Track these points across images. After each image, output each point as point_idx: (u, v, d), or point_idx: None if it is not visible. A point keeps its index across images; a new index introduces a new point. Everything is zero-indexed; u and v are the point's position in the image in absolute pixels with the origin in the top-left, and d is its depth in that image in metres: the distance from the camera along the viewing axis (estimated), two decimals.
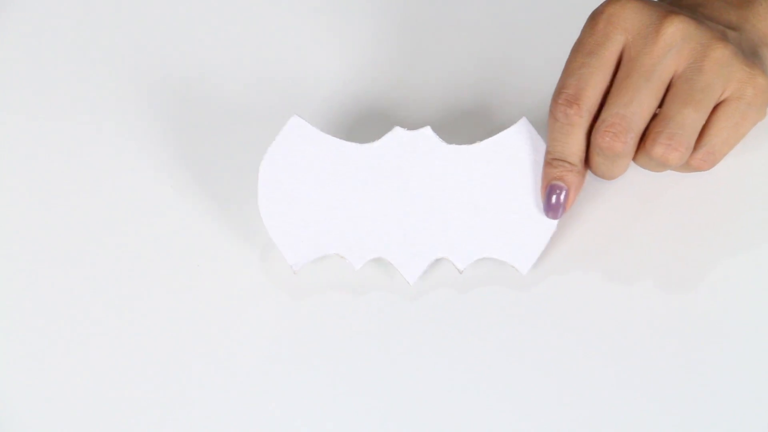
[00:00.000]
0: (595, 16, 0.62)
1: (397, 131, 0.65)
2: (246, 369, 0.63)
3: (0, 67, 0.72)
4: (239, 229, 0.67)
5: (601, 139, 0.62)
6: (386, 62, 0.71)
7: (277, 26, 0.73)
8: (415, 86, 0.71)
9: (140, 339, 0.64)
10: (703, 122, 0.62)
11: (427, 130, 0.65)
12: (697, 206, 0.66)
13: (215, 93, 0.71)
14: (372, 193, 0.65)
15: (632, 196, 0.67)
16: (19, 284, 0.65)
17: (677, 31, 0.61)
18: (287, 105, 0.70)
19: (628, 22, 0.62)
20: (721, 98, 0.62)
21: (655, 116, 0.62)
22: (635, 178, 0.67)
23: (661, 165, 0.62)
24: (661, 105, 0.62)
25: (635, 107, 0.61)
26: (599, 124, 0.62)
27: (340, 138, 0.65)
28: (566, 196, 0.64)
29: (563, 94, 0.62)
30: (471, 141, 0.65)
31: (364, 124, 0.70)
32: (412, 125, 0.69)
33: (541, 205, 0.65)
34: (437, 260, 0.65)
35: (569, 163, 0.63)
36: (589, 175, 0.66)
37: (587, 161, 0.64)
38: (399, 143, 0.65)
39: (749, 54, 0.63)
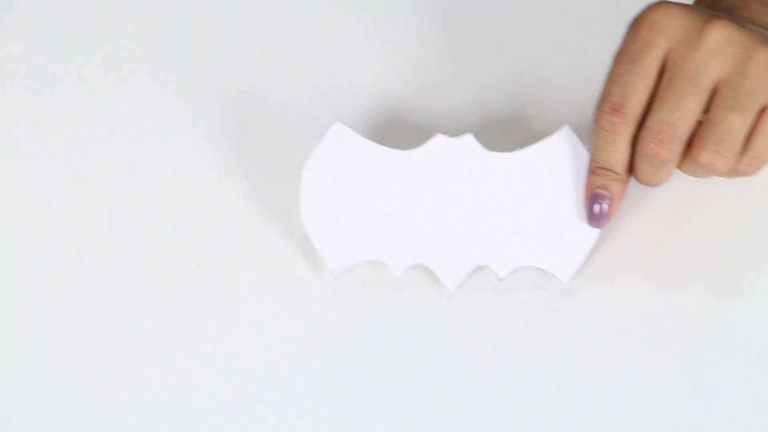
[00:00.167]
0: (637, 23, 0.62)
1: (439, 138, 0.65)
2: (284, 373, 0.63)
3: (30, 65, 0.73)
4: (281, 233, 0.67)
5: (647, 146, 0.61)
6: (428, 69, 0.71)
7: (320, 35, 0.73)
8: (456, 93, 0.70)
9: (176, 335, 0.64)
10: (749, 127, 0.61)
11: (469, 137, 0.65)
12: (742, 212, 0.66)
13: (258, 99, 0.71)
14: (413, 200, 0.64)
15: (675, 202, 0.66)
16: (63, 285, 0.66)
17: (720, 35, 0.61)
18: (330, 111, 0.70)
19: (671, 27, 0.61)
20: (766, 102, 0.61)
21: (700, 122, 0.62)
22: (678, 183, 0.67)
23: (708, 171, 0.62)
24: (706, 111, 0.62)
25: (680, 113, 0.61)
26: (644, 132, 0.62)
27: (382, 144, 0.65)
28: (610, 205, 0.63)
29: (608, 102, 0.62)
30: (511, 148, 0.65)
31: (405, 130, 0.70)
32: (454, 132, 0.68)
33: (584, 214, 0.64)
34: (478, 268, 0.65)
35: (614, 171, 0.63)
36: (631, 181, 0.65)
37: (631, 168, 0.63)
38: (441, 150, 0.64)
39: None
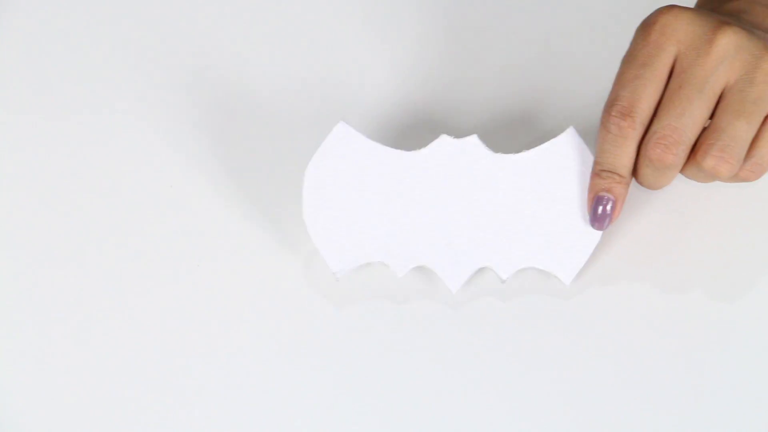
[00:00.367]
0: (647, 26, 0.62)
1: (444, 139, 0.64)
2: (286, 375, 0.63)
3: (30, 65, 0.72)
4: (283, 234, 0.66)
5: (652, 151, 0.61)
6: (432, 69, 0.71)
7: (324, 33, 0.72)
8: (460, 94, 0.70)
9: (178, 343, 0.63)
10: (754, 134, 0.61)
11: (474, 138, 0.64)
12: (743, 216, 0.66)
13: (262, 99, 0.70)
14: (417, 201, 0.64)
15: (676, 205, 0.67)
16: (61, 285, 0.65)
17: (730, 42, 0.61)
18: (334, 111, 0.69)
19: (681, 32, 0.61)
20: None
21: (705, 128, 0.62)
22: (679, 186, 0.67)
23: (711, 177, 0.62)
24: (711, 116, 0.62)
25: (687, 119, 0.61)
26: (650, 136, 0.62)
27: (386, 145, 0.64)
28: (613, 207, 0.63)
29: (616, 106, 0.61)
30: (516, 149, 0.64)
31: (409, 131, 0.69)
32: (458, 133, 0.68)
33: (586, 216, 0.64)
34: (480, 269, 0.65)
35: (618, 175, 0.63)
36: (632, 184, 0.66)
37: (633, 171, 0.63)
38: (445, 151, 0.64)
39: None
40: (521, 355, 0.63)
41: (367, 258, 0.64)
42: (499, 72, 0.71)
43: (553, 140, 0.64)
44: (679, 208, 0.67)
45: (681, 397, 0.62)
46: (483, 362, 0.63)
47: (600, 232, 0.64)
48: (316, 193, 0.64)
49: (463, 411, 0.62)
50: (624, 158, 0.62)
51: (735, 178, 0.63)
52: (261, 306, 0.64)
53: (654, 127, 0.62)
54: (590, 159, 0.64)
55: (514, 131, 0.69)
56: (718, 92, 0.61)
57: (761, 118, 0.61)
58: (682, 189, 0.67)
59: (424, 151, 0.64)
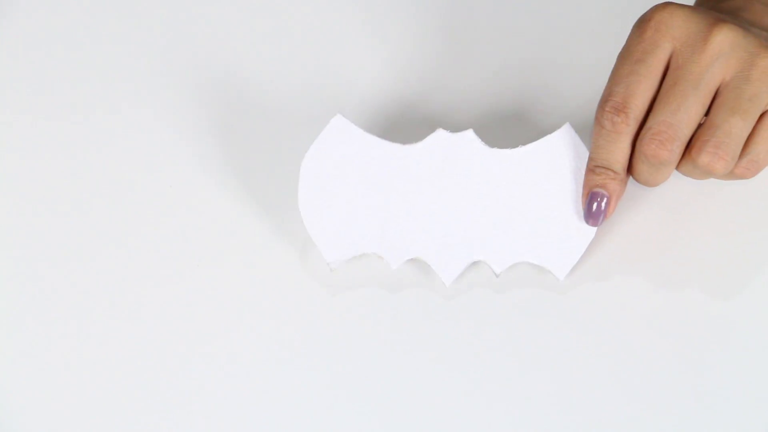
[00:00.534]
0: (642, 23, 0.62)
1: (440, 133, 0.64)
2: (280, 365, 0.63)
3: (33, 66, 0.72)
4: (279, 226, 0.66)
5: (646, 146, 0.62)
6: (429, 64, 0.71)
7: (320, 27, 0.72)
8: (457, 89, 0.70)
9: (175, 334, 0.64)
10: (749, 131, 0.62)
11: (470, 133, 0.64)
12: (738, 213, 0.66)
13: (258, 92, 0.71)
14: (412, 194, 0.64)
15: (671, 202, 0.67)
16: (65, 283, 0.65)
17: (725, 39, 0.61)
18: (330, 104, 0.69)
19: (677, 29, 0.61)
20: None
21: (700, 124, 0.62)
22: (674, 183, 0.67)
23: (706, 173, 0.62)
24: (707, 113, 0.62)
25: (682, 115, 0.61)
26: (645, 132, 0.62)
27: (383, 138, 0.65)
28: (607, 203, 0.63)
29: (611, 101, 0.62)
30: (512, 145, 0.65)
31: (406, 125, 0.69)
32: (455, 128, 0.68)
33: (581, 212, 0.64)
34: (474, 263, 0.65)
35: (613, 171, 0.63)
36: (630, 182, 0.66)
37: (629, 168, 0.63)
38: (441, 145, 0.64)
39: None
40: (514, 347, 0.63)
41: (362, 249, 0.64)
42: (495, 68, 0.71)
43: (548, 136, 0.64)
44: (674, 204, 0.67)
45: (674, 393, 0.62)
46: (476, 356, 0.63)
47: (594, 228, 0.64)
48: (312, 184, 0.64)
49: (455, 403, 0.62)
50: (618, 154, 0.63)
51: (731, 175, 0.63)
52: (257, 301, 0.65)
53: (649, 123, 0.62)
54: (585, 155, 0.64)
55: (509, 127, 0.69)
56: (713, 89, 0.61)
57: (757, 115, 0.62)
58: (677, 186, 0.67)
59: (420, 144, 0.64)
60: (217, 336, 0.64)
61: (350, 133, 0.64)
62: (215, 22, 0.73)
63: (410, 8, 0.73)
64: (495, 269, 0.65)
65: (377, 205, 0.64)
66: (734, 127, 0.61)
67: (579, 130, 0.66)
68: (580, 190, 0.64)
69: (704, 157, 0.61)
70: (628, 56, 0.62)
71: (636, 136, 0.62)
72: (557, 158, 0.64)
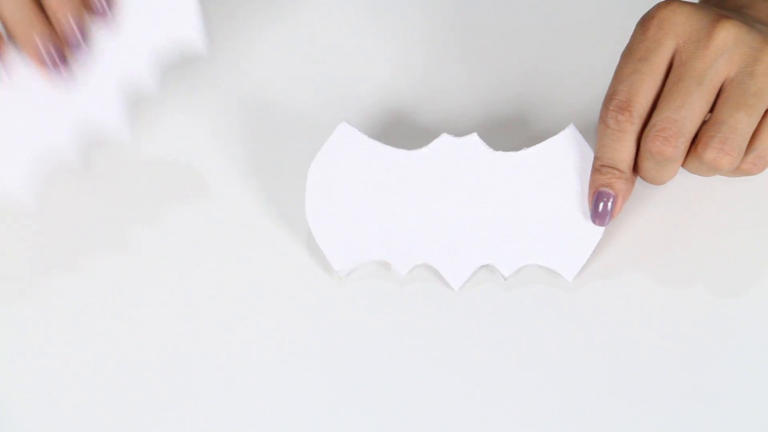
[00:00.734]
0: (645, 21, 0.62)
1: (445, 138, 0.64)
2: (287, 363, 0.63)
3: None
4: (287, 234, 0.66)
5: (651, 143, 0.61)
6: (433, 69, 0.71)
7: (326, 35, 0.72)
8: (461, 93, 0.70)
9: (186, 334, 0.64)
10: (754, 127, 0.62)
11: (475, 137, 0.64)
12: (745, 210, 0.66)
13: (265, 100, 0.71)
14: (418, 200, 0.64)
15: (678, 200, 0.67)
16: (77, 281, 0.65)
17: (729, 35, 0.61)
18: (336, 112, 0.69)
19: (680, 26, 0.61)
20: None
21: (705, 121, 0.62)
22: (681, 182, 0.67)
23: (712, 170, 0.62)
24: (712, 110, 0.62)
25: (686, 111, 0.61)
26: (650, 129, 0.62)
27: (388, 144, 0.65)
28: (614, 203, 0.63)
29: (614, 100, 0.62)
30: (516, 147, 0.65)
31: (410, 130, 0.69)
32: (459, 132, 0.68)
33: (588, 212, 0.64)
34: (482, 267, 0.65)
35: (618, 170, 0.63)
36: (638, 181, 0.66)
37: (635, 167, 0.63)
38: (446, 150, 0.64)
39: None
40: (521, 345, 0.63)
41: (370, 256, 0.64)
42: (499, 71, 0.71)
43: (553, 138, 0.64)
44: (680, 202, 0.67)
45: (681, 391, 0.62)
46: (484, 354, 0.63)
47: (602, 228, 0.64)
48: (319, 192, 0.64)
49: (462, 401, 0.62)
50: (623, 152, 0.63)
51: (737, 171, 0.63)
52: (265, 303, 0.64)
53: (653, 120, 0.62)
54: (591, 156, 0.64)
55: (514, 130, 0.69)
56: (717, 85, 0.62)
57: (762, 111, 0.62)
58: (684, 184, 0.67)
59: (425, 150, 0.64)
60: (223, 336, 0.64)
61: (356, 140, 0.64)
62: (224, 28, 0.73)
63: (415, 16, 0.73)
64: (503, 273, 0.64)
65: (384, 212, 0.64)
66: (739, 122, 0.61)
67: (583, 132, 0.66)
68: (586, 190, 0.64)
69: (710, 152, 0.61)
70: (631, 54, 0.62)
71: (641, 134, 0.62)
72: (562, 159, 0.64)
